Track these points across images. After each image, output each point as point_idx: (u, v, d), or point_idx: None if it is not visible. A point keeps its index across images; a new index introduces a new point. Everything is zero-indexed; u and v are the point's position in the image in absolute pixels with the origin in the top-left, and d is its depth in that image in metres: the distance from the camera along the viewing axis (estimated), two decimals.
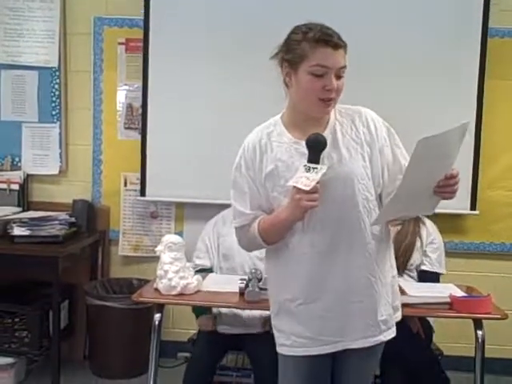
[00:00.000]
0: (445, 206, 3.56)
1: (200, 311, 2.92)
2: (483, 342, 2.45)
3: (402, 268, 2.97)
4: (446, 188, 1.81)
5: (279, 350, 1.98)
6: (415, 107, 3.66)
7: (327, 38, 1.78)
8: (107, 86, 3.86)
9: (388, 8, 3.65)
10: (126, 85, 3.86)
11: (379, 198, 1.94)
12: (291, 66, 1.83)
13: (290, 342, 1.94)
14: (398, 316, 2.04)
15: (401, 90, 3.66)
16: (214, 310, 2.93)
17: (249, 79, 3.64)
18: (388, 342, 2.36)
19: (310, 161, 1.79)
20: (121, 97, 3.87)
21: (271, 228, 1.90)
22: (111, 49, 3.84)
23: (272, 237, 1.92)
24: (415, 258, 3.01)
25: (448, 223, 3.61)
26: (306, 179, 1.76)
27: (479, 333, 2.46)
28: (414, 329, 2.77)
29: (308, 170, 1.77)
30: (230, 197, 2.02)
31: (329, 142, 1.84)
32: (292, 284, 1.92)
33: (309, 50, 1.79)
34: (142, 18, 3.71)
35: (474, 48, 3.65)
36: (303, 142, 1.83)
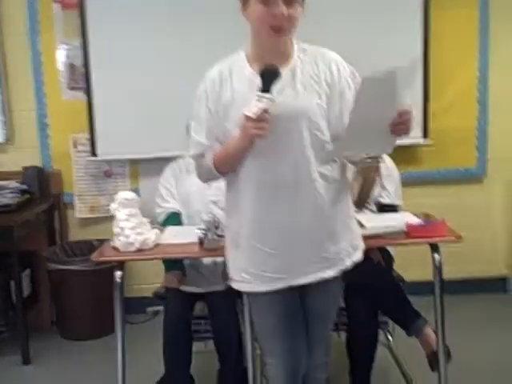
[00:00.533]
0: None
1: (169, 265, 2.91)
2: (440, 265, 2.49)
3: (363, 203, 2.99)
4: (400, 125, 1.80)
5: (236, 286, 2.01)
6: (362, 41, 3.63)
7: None
8: (46, 47, 3.75)
9: None
10: (65, 44, 3.74)
11: (335, 138, 1.92)
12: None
13: (240, 277, 1.97)
14: (358, 255, 2.07)
15: (346, 24, 3.63)
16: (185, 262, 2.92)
17: (189, 30, 3.58)
18: (350, 274, 2.41)
19: (262, 90, 1.79)
20: (61, 57, 3.76)
21: (223, 158, 1.92)
22: (46, 8, 3.71)
23: (224, 166, 1.94)
24: (375, 191, 3.03)
25: (402, 154, 3.58)
26: (255, 108, 1.77)
27: (436, 256, 2.50)
28: (375, 259, 2.80)
29: (259, 98, 1.78)
30: (183, 148, 2.07)
31: (287, 78, 1.86)
32: (239, 216, 1.94)
33: None
34: None
35: None
36: None
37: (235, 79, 1.91)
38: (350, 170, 2.43)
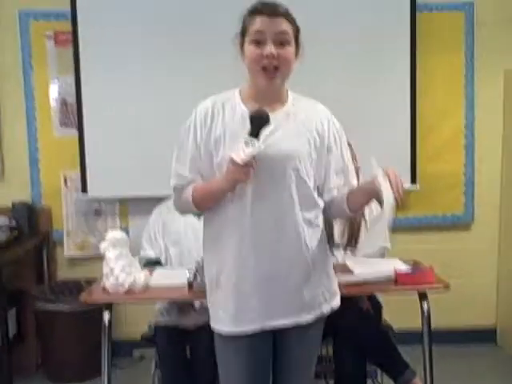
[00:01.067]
0: None
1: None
2: (429, 313, 2.51)
3: (350, 247, 3.01)
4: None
5: (212, 325, 1.99)
6: (350, 86, 3.70)
7: (262, 7, 1.87)
8: (38, 82, 3.77)
9: None
10: (57, 79, 3.77)
11: (317, 189, 1.99)
12: (240, 41, 1.92)
13: (217, 316, 1.96)
14: (336, 301, 2.08)
15: (334, 68, 3.69)
16: None
17: (183, 70, 3.61)
18: (339, 322, 2.42)
19: (250, 134, 1.80)
20: (53, 92, 3.78)
21: (203, 195, 1.93)
22: (39, 43, 3.74)
23: (203, 204, 1.95)
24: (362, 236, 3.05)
25: None
26: (242, 152, 1.78)
27: (424, 304, 2.52)
28: (363, 306, 2.81)
29: (247, 143, 1.79)
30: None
31: (280, 120, 1.91)
32: (219, 255, 1.94)
33: (248, 22, 1.88)
34: (69, 9, 3.61)
35: (404, 23, 3.71)
36: None
37: (227, 115, 1.92)
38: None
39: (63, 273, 3.88)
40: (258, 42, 1.85)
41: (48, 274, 3.82)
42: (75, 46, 3.65)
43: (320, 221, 2.00)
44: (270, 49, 1.84)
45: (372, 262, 2.83)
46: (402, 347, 2.72)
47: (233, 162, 1.78)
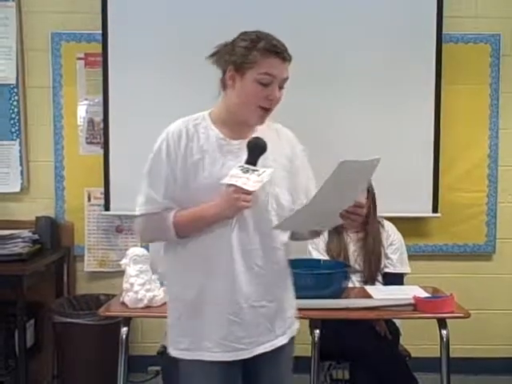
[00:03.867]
0: (407, 210, 3.68)
1: None
2: (448, 341, 2.49)
3: (374, 277, 3.00)
4: (352, 215, 1.85)
5: (180, 354, 1.91)
6: (375, 115, 3.73)
7: (278, 50, 1.84)
8: (67, 102, 3.84)
9: (341, 18, 3.70)
10: (86, 99, 3.85)
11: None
12: (238, 71, 1.85)
13: (195, 345, 1.89)
14: (296, 326, 2.06)
15: (360, 99, 3.72)
16: None
17: (211, 90, 3.65)
18: (355, 346, 2.40)
19: (248, 162, 1.81)
20: (81, 112, 3.85)
21: (191, 222, 1.86)
22: (70, 64, 3.82)
23: (188, 231, 1.87)
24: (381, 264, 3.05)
25: (411, 226, 3.67)
26: (246, 180, 1.76)
27: (443, 332, 2.50)
28: (381, 331, 2.79)
29: (246, 171, 1.78)
30: None
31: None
32: (203, 282, 1.87)
33: (259, 59, 1.83)
34: (101, 32, 3.70)
35: (429, 54, 3.73)
36: (232, 141, 1.89)
37: (202, 139, 1.89)
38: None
39: (82, 287, 3.91)
40: (266, 84, 1.84)
41: (67, 288, 3.85)
42: (104, 68, 3.73)
43: (288, 244, 2.01)
44: (277, 94, 1.86)
45: (392, 289, 2.83)
46: (419, 375, 2.69)
47: (237, 189, 1.76)
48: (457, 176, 3.85)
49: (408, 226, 3.52)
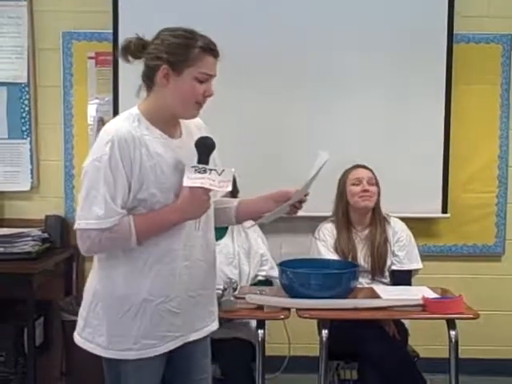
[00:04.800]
0: (417, 210, 3.68)
1: None
2: (456, 342, 2.48)
3: (379, 274, 3.00)
4: (297, 208, 2.07)
5: (123, 355, 1.89)
6: (386, 115, 3.74)
7: (214, 48, 1.89)
8: (77, 101, 3.85)
9: (353, 18, 3.71)
10: (96, 98, 3.86)
11: None
12: (174, 69, 1.85)
13: (139, 345, 1.88)
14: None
15: (370, 99, 3.72)
16: None
17: (221, 88, 3.66)
18: (364, 346, 2.39)
19: (200, 162, 1.84)
20: (92, 111, 3.86)
21: (153, 227, 1.85)
22: (81, 63, 3.84)
23: (148, 237, 1.85)
24: (387, 261, 3.04)
25: (420, 227, 3.66)
26: (212, 180, 1.80)
27: (452, 333, 2.49)
28: (390, 332, 2.79)
29: (204, 171, 1.81)
30: None
31: (189, 143, 1.92)
32: (154, 282, 1.87)
33: (198, 57, 1.85)
34: (111, 31, 3.71)
35: (440, 54, 3.73)
36: (172, 140, 1.91)
37: (148, 140, 1.85)
38: None
39: None
40: (203, 81, 1.87)
41: (76, 286, 3.85)
42: (115, 67, 3.74)
43: None
44: (212, 90, 1.90)
45: (400, 289, 2.82)
46: (427, 375, 2.69)
47: (205, 191, 1.81)
48: (467, 176, 3.84)
49: (417, 226, 3.50)
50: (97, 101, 3.86)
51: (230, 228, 3.05)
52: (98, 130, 3.84)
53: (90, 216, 1.79)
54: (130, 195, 1.83)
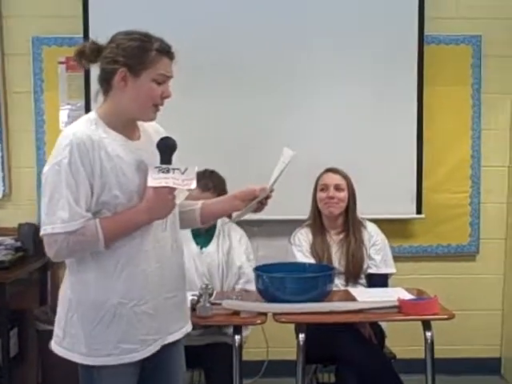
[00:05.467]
0: (391, 211, 3.71)
1: None
2: (432, 342, 2.49)
3: (355, 277, 3.01)
4: (263, 205, 2.12)
5: (102, 361, 1.88)
6: (358, 116, 3.75)
7: (170, 50, 1.91)
8: (49, 107, 3.81)
9: (324, 20, 3.72)
10: (68, 104, 3.82)
11: None
12: (132, 71, 1.86)
13: (119, 350, 1.88)
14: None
15: (341, 100, 3.74)
16: None
17: (191, 92, 3.65)
18: (341, 349, 2.39)
19: (163, 163, 1.86)
20: (63, 116, 3.82)
21: (120, 230, 1.85)
22: (51, 68, 3.80)
23: (115, 239, 1.85)
24: (364, 265, 3.05)
25: (395, 228, 3.69)
26: (175, 180, 1.82)
27: (428, 334, 2.50)
28: (366, 334, 2.80)
29: (167, 171, 1.83)
30: None
31: (148, 145, 1.94)
32: (126, 285, 1.87)
33: (155, 60, 1.87)
34: (82, 36, 3.67)
35: (411, 55, 3.75)
36: (131, 142, 1.92)
37: (108, 143, 1.85)
38: None
39: None
40: (160, 82, 1.88)
41: (51, 295, 3.80)
42: (86, 72, 3.69)
43: None
44: (170, 91, 1.91)
45: (376, 291, 2.83)
46: (404, 376, 2.70)
47: (171, 190, 1.83)
48: (440, 177, 3.88)
49: (392, 227, 3.53)
50: (68, 106, 3.82)
51: (215, 235, 3.03)
52: None
53: (55, 220, 1.78)
54: (93, 198, 1.82)
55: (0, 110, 3.78)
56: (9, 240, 3.51)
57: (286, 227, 3.33)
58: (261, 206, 2.11)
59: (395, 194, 3.74)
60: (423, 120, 3.78)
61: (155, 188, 1.82)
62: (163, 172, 1.82)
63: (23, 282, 3.52)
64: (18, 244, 3.55)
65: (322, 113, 3.74)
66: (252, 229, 3.27)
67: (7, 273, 3.27)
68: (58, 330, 1.97)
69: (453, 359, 3.78)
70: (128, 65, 1.85)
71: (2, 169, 3.81)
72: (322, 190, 3.07)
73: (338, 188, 3.04)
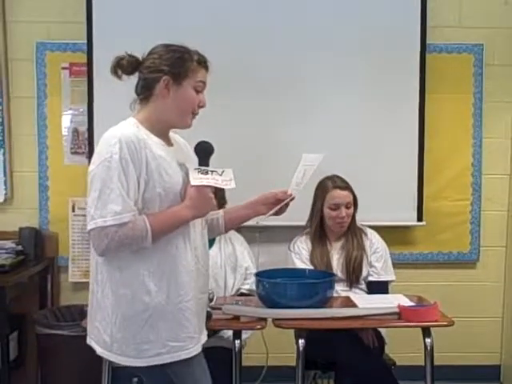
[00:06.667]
0: (392, 219, 3.71)
1: None
2: (432, 349, 2.49)
3: (354, 283, 3.01)
4: (285, 206, 2.27)
5: (152, 361, 1.92)
6: (360, 124, 3.76)
7: (207, 61, 2.06)
8: (51, 111, 3.83)
9: (326, 29, 3.73)
10: (70, 109, 3.84)
11: None
12: (175, 79, 1.98)
13: (168, 348, 1.93)
14: None
15: (344, 109, 3.74)
16: None
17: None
18: (340, 355, 2.39)
19: (201, 165, 1.98)
20: (66, 121, 3.84)
21: (166, 226, 1.92)
22: (54, 73, 3.81)
23: (162, 235, 1.91)
24: (363, 271, 3.05)
25: (396, 235, 3.69)
26: (216, 180, 1.94)
27: (427, 340, 2.50)
28: (366, 340, 2.79)
29: (206, 172, 1.95)
30: None
31: (181, 152, 2.08)
32: (170, 282, 1.93)
33: (195, 69, 2.01)
34: (85, 41, 3.70)
35: (413, 64, 3.77)
36: (169, 147, 2.02)
37: (153, 146, 1.93)
38: None
39: (67, 298, 3.87)
40: (199, 91, 2.02)
41: (51, 299, 3.82)
42: (89, 77, 3.72)
43: None
44: (205, 101, 2.04)
45: (376, 297, 2.83)
46: (404, 383, 2.70)
47: (208, 188, 1.94)
48: (441, 185, 3.88)
49: (393, 234, 3.53)
50: (71, 111, 3.84)
51: (217, 239, 3.07)
52: (73, 140, 3.82)
53: (106, 214, 1.82)
54: (139, 194, 1.89)
55: (3, 114, 3.80)
56: (9, 244, 3.52)
57: (287, 233, 3.33)
58: (284, 208, 2.24)
59: (396, 202, 3.74)
60: (425, 128, 3.79)
61: (197, 187, 1.92)
62: (202, 173, 1.94)
63: (23, 286, 3.52)
64: (19, 248, 3.56)
65: (323, 120, 3.75)
66: (253, 235, 3.27)
67: (7, 276, 3.28)
68: (105, 336, 1.98)
69: (452, 366, 3.78)
70: (172, 73, 1.98)
71: (4, 173, 3.82)
72: (331, 208, 3.03)
73: (348, 206, 3.04)
